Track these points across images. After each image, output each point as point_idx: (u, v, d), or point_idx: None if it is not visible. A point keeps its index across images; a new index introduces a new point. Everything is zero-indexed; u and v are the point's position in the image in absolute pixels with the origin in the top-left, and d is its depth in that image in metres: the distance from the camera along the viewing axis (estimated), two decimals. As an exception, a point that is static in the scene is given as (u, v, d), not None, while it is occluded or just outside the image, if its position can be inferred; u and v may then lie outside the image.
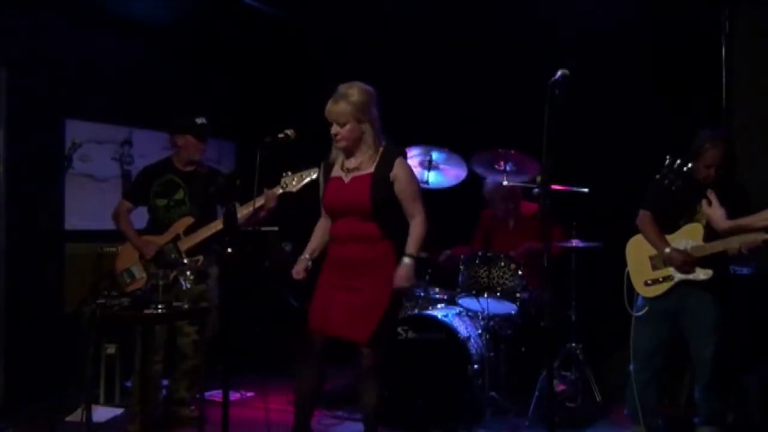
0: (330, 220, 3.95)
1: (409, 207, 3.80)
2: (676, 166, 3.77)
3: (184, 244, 4.77)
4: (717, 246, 4.07)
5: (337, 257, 3.81)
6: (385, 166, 3.79)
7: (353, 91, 3.76)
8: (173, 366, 4.96)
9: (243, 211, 4.30)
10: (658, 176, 3.86)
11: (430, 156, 5.32)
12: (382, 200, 3.75)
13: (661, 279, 4.31)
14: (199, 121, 4.89)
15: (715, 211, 3.68)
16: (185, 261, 4.63)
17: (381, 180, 3.77)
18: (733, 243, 3.99)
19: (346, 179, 3.84)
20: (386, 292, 3.76)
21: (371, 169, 3.79)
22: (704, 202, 3.75)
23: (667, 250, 4.24)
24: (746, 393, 4.71)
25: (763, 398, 4.67)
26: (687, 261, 4.19)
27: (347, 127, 3.75)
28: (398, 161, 3.80)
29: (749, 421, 4.70)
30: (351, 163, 3.84)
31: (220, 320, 4.88)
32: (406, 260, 3.74)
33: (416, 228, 3.79)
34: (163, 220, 4.87)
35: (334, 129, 3.78)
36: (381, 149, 3.83)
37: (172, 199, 4.89)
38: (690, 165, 3.79)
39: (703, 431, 4.36)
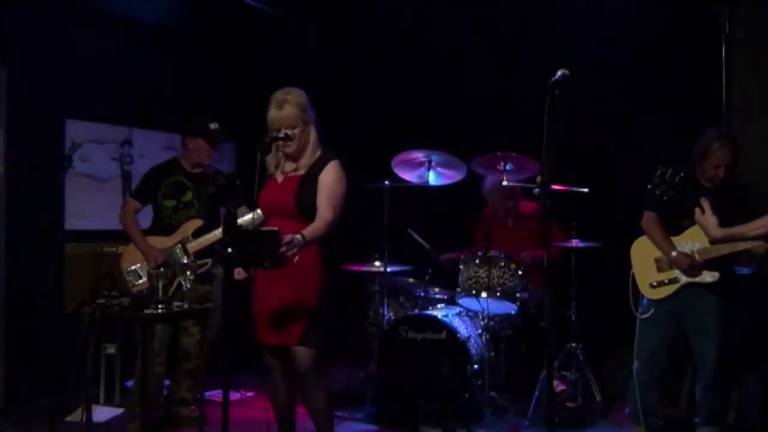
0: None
1: (321, 206, 3.70)
2: (668, 176, 3.73)
3: (194, 247, 4.77)
4: (723, 248, 4.05)
5: None
6: (316, 169, 3.77)
7: (293, 96, 3.78)
8: (175, 366, 4.96)
9: (252, 215, 4.28)
10: (649, 186, 3.81)
11: (430, 158, 5.32)
12: (307, 202, 3.72)
13: (666, 281, 4.29)
14: (213, 126, 4.90)
15: (707, 219, 3.65)
16: (185, 261, 4.62)
17: (310, 182, 3.75)
18: (742, 245, 3.97)
19: (279, 180, 3.85)
20: (312, 293, 3.71)
21: (303, 172, 3.79)
22: (697, 210, 3.74)
23: (674, 253, 4.22)
24: (746, 393, 4.71)
25: (763, 398, 4.67)
26: (693, 265, 4.17)
27: (297, 130, 3.76)
28: (331, 164, 3.78)
29: (749, 421, 4.70)
30: (290, 166, 3.83)
31: (222, 320, 4.90)
32: (299, 237, 3.50)
33: (316, 224, 3.65)
34: (171, 221, 4.87)
35: (284, 134, 3.76)
36: (319, 153, 3.83)
37: (181, 201, 4.89)
38: (682, 174, 3.75)
39: (704, 431, 4.36)
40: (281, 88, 3.82)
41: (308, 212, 3.71)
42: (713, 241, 3.93)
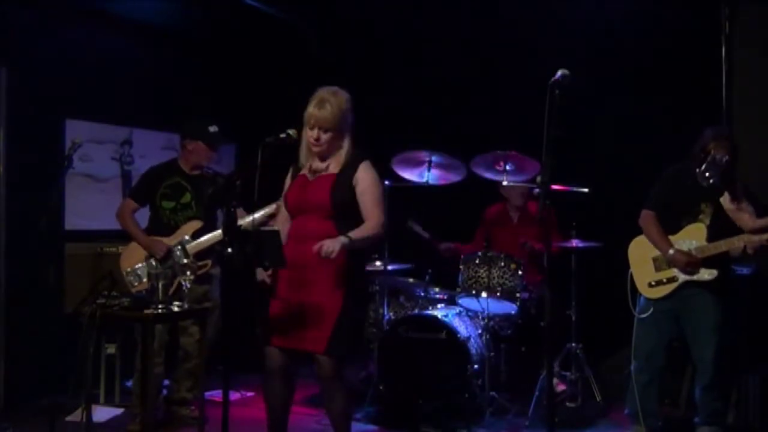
0: (288, 222, 3.87)
1: (367, 210, 3.70)
2: (717, 159, 3.80)
3: (193, 248, 4.77)
4: (721, 246, 4.06)
5: (291, 259, 3.61)
6: (350, 168, 3.74)
7: (337, 99, 3.71)
8: (175, 366, 4.96)
9: (254, 216, 4.28)
10: (698, 170, 3.90)
11: (430, 158, 5.32)
12: (342, 201, 3.69)
13: (665, 280, 4.29)
14: (212, 129, 4.89)
15: (744, 209, 3.63)
16: (185, 261, 4.62)
17: (344, 181, 3.72)
18: (737, 243, 3.99)
19: (311, 178, 3.80)
20: (338, 295, 3.65)
21: (336, 170, 3.76)
22: (730, 199, 3.73)
23: (671, 251, 4.22)
24: (746, 393, 4.71)
25: (763, 398, 4.67)
26: (691, 262, 4.18)
27: (329, 134, 3.71)
28: (363, 164, 3.75)
29: (749, 421, 4.70)
30: (319, 165, 3.79)
31: (222, 320, 4.90)
32: (343, 238, 3.55)
33: (367, 225, 3.68)
34: (169, 223, 4.86)
35: (315, 134, 3.71)
36: (351, 153, 3.79)
37: (179, 203, 4.88)
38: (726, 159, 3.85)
39: (704, 431, 4.36)
40: (327, 86, 3.76)
41: (341, 212, 3.69)
42: (753, 231, 3.93)
